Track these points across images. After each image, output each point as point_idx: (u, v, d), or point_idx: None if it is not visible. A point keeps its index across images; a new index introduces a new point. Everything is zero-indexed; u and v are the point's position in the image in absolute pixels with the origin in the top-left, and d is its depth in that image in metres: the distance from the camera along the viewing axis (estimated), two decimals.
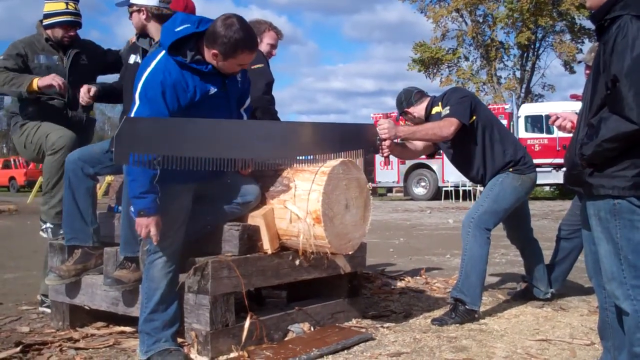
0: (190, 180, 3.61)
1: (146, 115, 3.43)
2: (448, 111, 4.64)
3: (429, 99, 5.05)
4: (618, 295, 2.89)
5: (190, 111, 3.55)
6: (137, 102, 3.48)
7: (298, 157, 4.02)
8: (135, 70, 3.85)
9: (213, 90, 3.65)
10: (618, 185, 2.80)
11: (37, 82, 4.65)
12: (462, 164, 5.00)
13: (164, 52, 3.55)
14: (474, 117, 4.70)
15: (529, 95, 38.45)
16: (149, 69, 3.53)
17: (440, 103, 4.85)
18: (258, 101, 4.49)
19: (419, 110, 5.01)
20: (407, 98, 5.05)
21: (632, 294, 2.84)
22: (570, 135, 3.30)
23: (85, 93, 4.53)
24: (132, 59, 4.27)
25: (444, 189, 23.67)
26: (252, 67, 4.53)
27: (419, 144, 5.10)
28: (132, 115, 3.44)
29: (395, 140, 4.65)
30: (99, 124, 51.86)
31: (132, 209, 3.51)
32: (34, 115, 4.83)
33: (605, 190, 2.82)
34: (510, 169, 4.77)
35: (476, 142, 4.77)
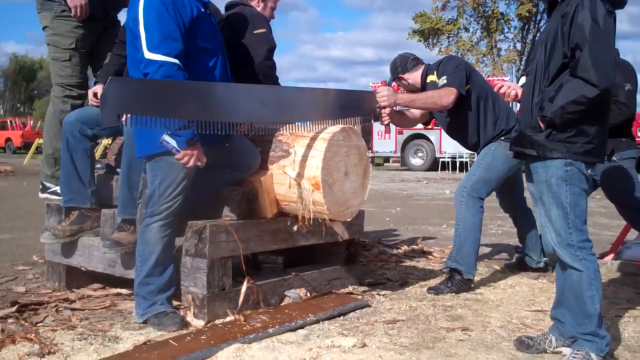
0: None
1: (159, 38, 3.35)
2: (445, 80, 4.60)
3: (423, 66, 4.99)
4: (567, 256, 3.11)
5: (192, 32, 3.51)
6: (143, 32, 3.37)
7: (298, 123, 3.99)
8: None
9: (202, 8, 3.63)
10: (571, 150, 3.05)
11: None
12: (457, 132, 4.97)
13: None
14: (468, 86, 4.66)
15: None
16: (140, 5, 3.43)
17: (435, 72, 4.80)
18: (260, 67, 4.44)
19: (414, 77, 4.96)
20: (403, 64, 4.98)
21: (580, 254, 3.10)
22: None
23: (92, 98, 4.32)
24: None
25: (441, 159, 23.64)
26: (255, 32, 4.46)
27: (417, 112, 5.06)
28: (144, 45, 3.35)
29: (394, 108, 4.61)
30: None
31: (171, 143, 3.38)
32: None
33: (558, 153, 3.06)
34: (502, 138, 4.74)
35: (470, 110, 4.74)
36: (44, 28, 4.70)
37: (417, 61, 4.99)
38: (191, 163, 3.44)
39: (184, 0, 3.52)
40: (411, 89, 4.97)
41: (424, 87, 4.90)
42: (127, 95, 3.07)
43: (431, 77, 4.83)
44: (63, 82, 4.66)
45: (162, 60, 3.33)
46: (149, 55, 3.35)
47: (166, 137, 3.37)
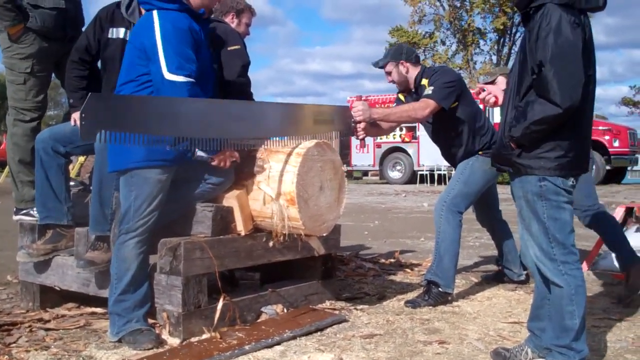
0: (174, 163, 3.58)
1: (179, 60, 3.43)
2: (430, 92, 4.58)
3: (420, 67, 4.90)
4: (549, 271, 3.09)
5: (198, 55, 3.59)
6: (163, 54, 3.43)
7: (272, 138, 3.98)
8: (121, 45, 3.84)
9: (203, 37, 3.71)
10: (544, 166, 3.01)
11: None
12: (438, 142, 4.99)
13: (156, 11, 3.53)
14: (456, 103, 4.67)
15: None
16: (156, 28, 3.49)
17: (428, 78, 4.75)
18: (234, 84, 4.43)
19: (411, 72, 4.86)
20: (409, 53, 4.88)
21: (562, 269, 3.06)
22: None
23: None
24: (114, 33, 4.15)
25: (419, 172, 23.66)
26: (229, 49, 4.46)
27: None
28: (164, 67, 3.42)
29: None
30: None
31: (205, 155, 3.55)
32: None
33: (533, 170, 3.04)
34: (480, 152, 4.79)
35: (453, 127, 4.75)
36: (2, 50, 4.65)
37: (418, 60, 4.93)
38: (228, 163, 3.67)
39: (194, 26, 3.60)
40: (398, 81, 4.89)
41: (416, 88, 4.85)
42: (107, 111, 3.08)
43: (424, 81, 4.79)
44: (16, 105, 4.58)
45: (185, 81, 3.43)
46: (170, 77, 3.41)
47: (198, 152, 3.51)
